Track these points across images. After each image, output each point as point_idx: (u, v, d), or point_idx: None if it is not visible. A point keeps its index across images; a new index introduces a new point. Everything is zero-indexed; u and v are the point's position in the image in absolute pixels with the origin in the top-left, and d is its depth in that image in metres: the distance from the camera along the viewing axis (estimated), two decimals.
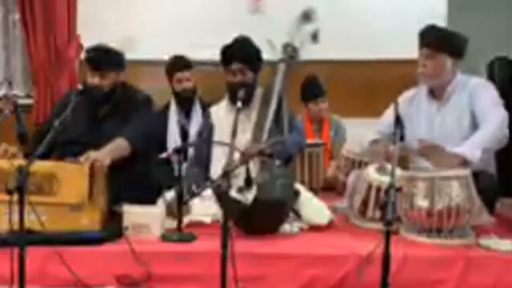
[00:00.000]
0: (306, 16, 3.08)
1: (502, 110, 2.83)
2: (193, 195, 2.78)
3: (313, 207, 2.82)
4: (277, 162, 2.78)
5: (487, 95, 2.87)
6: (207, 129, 3.24)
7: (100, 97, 3.02)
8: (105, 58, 3.03)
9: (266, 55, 3.15)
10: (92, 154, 2.61)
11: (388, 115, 2.96)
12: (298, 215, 2.75)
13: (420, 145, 2.78)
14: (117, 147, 2.83)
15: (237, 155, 2.68)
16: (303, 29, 3.05)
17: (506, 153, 2.86)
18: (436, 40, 2.89)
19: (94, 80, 3.01)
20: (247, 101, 3.06)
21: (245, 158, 2.61)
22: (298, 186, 2.92)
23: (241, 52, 3.11)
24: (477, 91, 2.88)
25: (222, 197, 2.33)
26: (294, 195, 2.75)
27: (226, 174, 2.18)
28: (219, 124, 3.19)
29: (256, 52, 3.16)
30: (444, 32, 2.98)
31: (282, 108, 3.02)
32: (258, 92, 3.17)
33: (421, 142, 2.79)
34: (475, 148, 2.68)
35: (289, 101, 3.19)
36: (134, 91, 3.17)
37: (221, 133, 3.10)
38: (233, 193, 2.47)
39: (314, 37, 3.06)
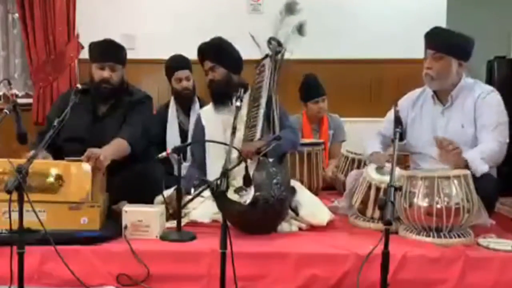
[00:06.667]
0: (289, 9, 3.03)
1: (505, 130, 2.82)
2: (192, 198, 2.79)
3: (312, 206, 2.82)
4: (270, 159, 2.77)
5: (492, 111, 2.82)
6: (199, 131, 3.23)
7: (108, 91, 2.99)
8: (114, 51, 3.03)
9: (256, 53, 3.12)
10: (93, 151, 2.60)
11: (390, 115, 2.94)
12: (296, 213, 2.75)
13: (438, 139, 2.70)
14: (116, 147, 2.82)
15: (235, 155, 2.67)
16: (288, 22, 2.99)
17: (506, 154, 2.85)
18: (442, 42, 2.86)
19: (104, 73, 2.97)
20: (225, 99, 3.07)
21: (245, 157, 2.60)
22: (294, 183, 2.91)
23: (210, 51, 3.10)
24: (483, 103, 2.83)
25: (220, 197, 2.33)
26: (291, 192, 2.75)
27: (225, 174, 2.17)
28: (209, 125, 3.17)
29: (230, 50, 3.13)
30: (450, 33, 2.93)
31: (272, 106, 2.99)
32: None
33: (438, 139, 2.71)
34: (484, 163, 2.65)
35: (287, 100, 3.16)
36: (135, 89, 3.17)
37: (211, 133, 3.09)
38: (231, 194, 2.46)
39: (300, 29, 3.02)
